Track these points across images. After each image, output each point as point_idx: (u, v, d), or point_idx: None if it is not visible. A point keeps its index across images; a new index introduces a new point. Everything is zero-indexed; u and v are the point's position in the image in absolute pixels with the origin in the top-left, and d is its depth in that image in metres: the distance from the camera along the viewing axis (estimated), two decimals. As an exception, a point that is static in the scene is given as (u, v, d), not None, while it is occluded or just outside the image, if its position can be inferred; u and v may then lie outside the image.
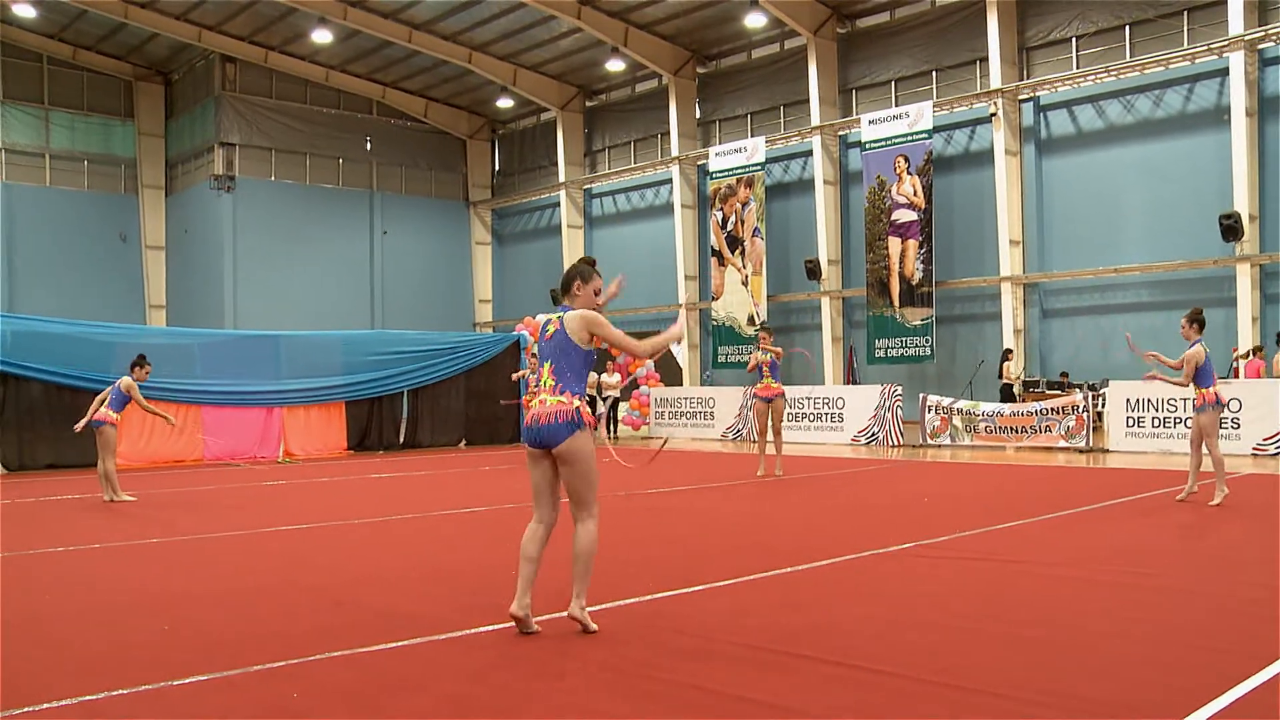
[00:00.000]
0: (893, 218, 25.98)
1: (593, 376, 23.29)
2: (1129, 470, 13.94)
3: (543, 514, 5.26)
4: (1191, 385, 9.99)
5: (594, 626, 5.16)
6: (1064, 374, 22.85)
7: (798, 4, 27.50)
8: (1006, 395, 21.79)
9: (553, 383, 5.15)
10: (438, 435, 20.64)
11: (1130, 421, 16.77)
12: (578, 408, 5.08)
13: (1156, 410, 16.43)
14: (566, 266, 27.73)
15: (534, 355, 19.95)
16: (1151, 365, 10.47)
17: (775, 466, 13.65)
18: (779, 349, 13.92)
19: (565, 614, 5.23)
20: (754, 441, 14.07)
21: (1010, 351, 23.33)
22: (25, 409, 15.91)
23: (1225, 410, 10.16)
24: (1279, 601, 5.66)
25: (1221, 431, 15.36)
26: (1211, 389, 9.86)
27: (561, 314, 5.28)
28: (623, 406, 24.42)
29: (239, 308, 34.18)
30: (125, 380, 11.47)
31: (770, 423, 13.71)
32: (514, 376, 20.61)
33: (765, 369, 13.57)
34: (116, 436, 11.56)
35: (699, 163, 31.72)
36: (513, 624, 5.25)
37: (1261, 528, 8.55)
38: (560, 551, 7.92)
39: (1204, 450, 10.05)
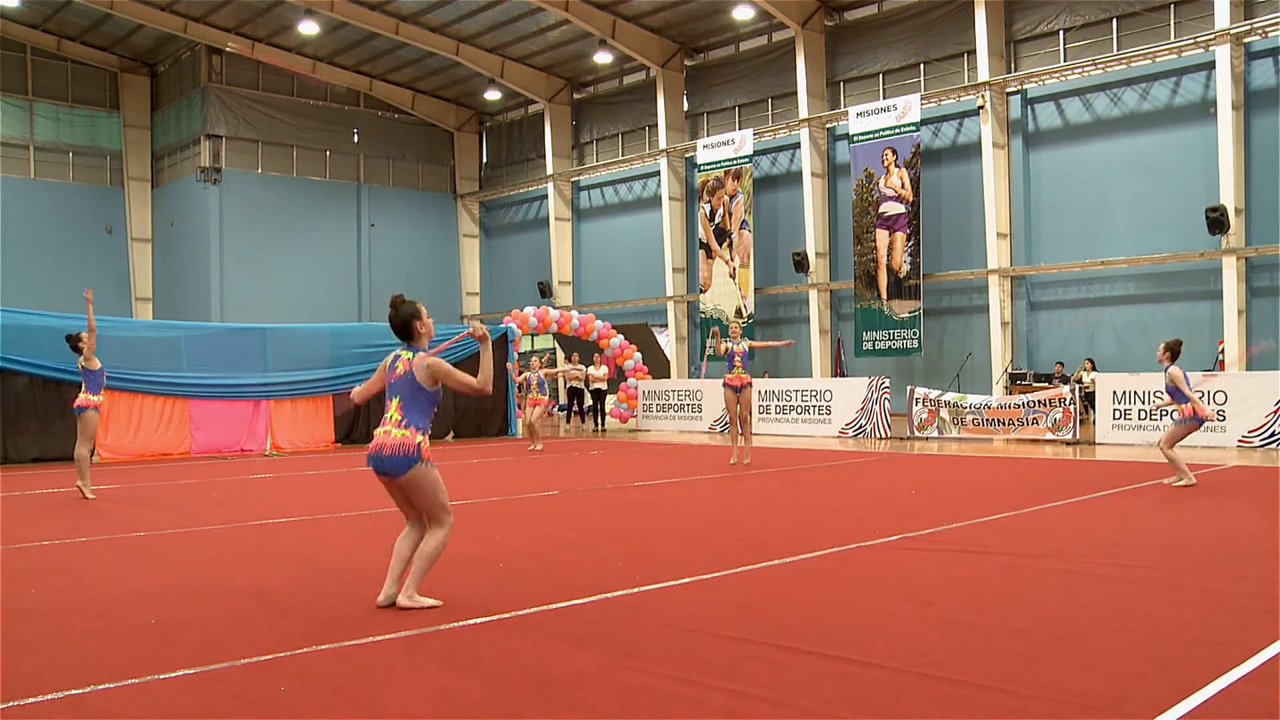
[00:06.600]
0: (880, 210, 26.02)
1: (580, 369, 23.33)
2: (1116, 463, 13.99)
3: (412, 525, 5.74)
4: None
5: (428, 602, 5.56)
6: (1059, 364, 22.94)
7: (786, -4, 27.52)
8: None
9: (399, 417, 5.54)
10: (425, 428, 20.59)
11: (1116, 414, 16.83)
12: (419, 443, 5.50)
13: (1143, 403, 16.49)
14: (554, 259, 27.37)
15: (537, 358, 19.96)
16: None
17: (744, 455, 14.23)
18: (754, 341, 14.33)
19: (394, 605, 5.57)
20: (738, 433, 14.52)
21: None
22: (11, 402, 15.85)
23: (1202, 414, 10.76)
24: (1267, 593, 5.70)
25: (1209, 425, 15.53)
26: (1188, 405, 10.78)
27: (410, 354, 5.65)
28: (610, 399, 24.38)
29: (225, 300, 34.05)
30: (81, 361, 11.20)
31: (740, 411, 14.19)
32: (516, 379, 20.64)
33: (737, 359, 14.11)
34: (97, 421, 11.23)
35: (687, 155, 31.70)
36: (501, 618, 5.31)
37: (1249, 520, 8.60)
38: (536, 546, 7.90)
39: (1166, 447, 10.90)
